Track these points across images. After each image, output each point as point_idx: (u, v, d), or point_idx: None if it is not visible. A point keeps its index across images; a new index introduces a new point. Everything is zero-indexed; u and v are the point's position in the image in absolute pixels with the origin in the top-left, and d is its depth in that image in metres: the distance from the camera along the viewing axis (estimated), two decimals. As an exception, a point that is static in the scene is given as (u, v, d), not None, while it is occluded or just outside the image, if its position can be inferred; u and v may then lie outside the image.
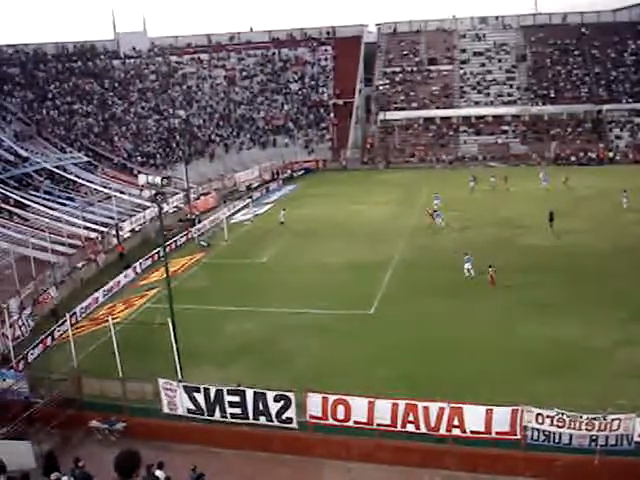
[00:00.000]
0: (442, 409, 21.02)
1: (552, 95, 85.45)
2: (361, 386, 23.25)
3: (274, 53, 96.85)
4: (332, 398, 22.20)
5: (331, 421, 22.31)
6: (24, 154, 63.10)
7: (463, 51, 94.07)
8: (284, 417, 22.81)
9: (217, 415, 23.72)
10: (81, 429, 24.67)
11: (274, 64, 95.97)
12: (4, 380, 27.89)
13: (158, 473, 16.91)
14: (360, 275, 40.05)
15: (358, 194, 64.36)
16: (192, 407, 24.04)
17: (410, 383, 25.04)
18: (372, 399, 21.72)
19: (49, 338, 33.33)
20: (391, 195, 58.06)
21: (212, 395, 23.66)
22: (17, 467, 16.00)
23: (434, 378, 25.64)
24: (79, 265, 45.30)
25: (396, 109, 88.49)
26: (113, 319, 29.95)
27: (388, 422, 21.68)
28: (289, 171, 78.77)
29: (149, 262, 45.89)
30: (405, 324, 31.88)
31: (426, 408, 21.19)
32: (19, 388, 27.42)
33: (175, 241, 50.10)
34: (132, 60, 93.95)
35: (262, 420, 23.15)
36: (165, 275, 29.66)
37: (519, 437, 20.46)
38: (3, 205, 53.61)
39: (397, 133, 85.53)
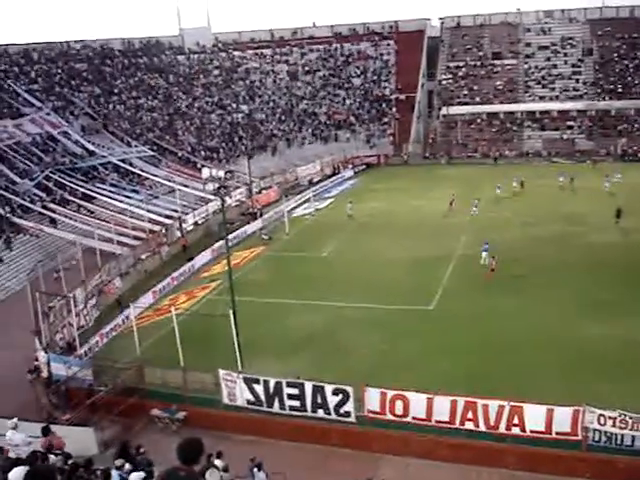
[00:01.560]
0: (502, 407, 20.79)
1: (619, 90, 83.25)
2: (420, 382, 23.14)
3: (336, 48, 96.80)
4: (391, 393, 22.16)
5: (389, 416, 22.28)
6: (91, 147, 64.52)
7: (528, 45, 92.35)
8: (342, 411, 22.87)
9: (276, 407, 23.92)
10: (143, 417, 25.17)
11: (336, 59, 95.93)
12: (69, 368, 28.62)
13: (217, 462, 17.13)
14: (421, 270, 39.84)
15: (420, 189, 63.99)
16: (251, 398, 24.29)
17: (470, 380, 24.82)
18: (431, 395, 21.61)
19: (113, 327, 34.07)
20: (453, 190, 57.46)
21: (271, 387, 23.87)
22: (80, 453, 16.40)
23: (494, 375, 25.37)
24: (143, 257, 46.17)
25: (459, 104, 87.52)
26: (176, 310, 30.43)
27: (447, 419, 21.55)
28: (350, 165, 78.68)
29: (211, 255, 46.49)
30: (465, 320, 31.60)
31: (485, 406, 20.99)
32: (83, 376, 28.12)
33: (237, 234, 50.58)
34: (196, 55, 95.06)
35: (320, 413, 23.26)
36: (227, 267, 30.05)
37: (580, 438, 20.10)
38: (70, 197, 54.98)
39: (460, 128, 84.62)
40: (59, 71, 77.90)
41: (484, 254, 38.76)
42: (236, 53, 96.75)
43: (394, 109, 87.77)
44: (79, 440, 20.36)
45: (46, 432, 16.46)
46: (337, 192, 67.79)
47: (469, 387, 22.98)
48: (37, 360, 30.30)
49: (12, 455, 13.99)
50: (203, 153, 74.12)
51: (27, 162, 57.53)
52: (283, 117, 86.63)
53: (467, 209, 51.94)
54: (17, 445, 14.71)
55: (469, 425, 21.33)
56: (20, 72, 73.51)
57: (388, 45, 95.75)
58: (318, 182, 71.63)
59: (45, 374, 29.31)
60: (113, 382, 26.39)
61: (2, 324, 35.95)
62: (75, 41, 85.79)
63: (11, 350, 32.00)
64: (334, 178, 73.89)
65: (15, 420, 16.41)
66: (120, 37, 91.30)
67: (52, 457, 13.52)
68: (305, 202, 61.84)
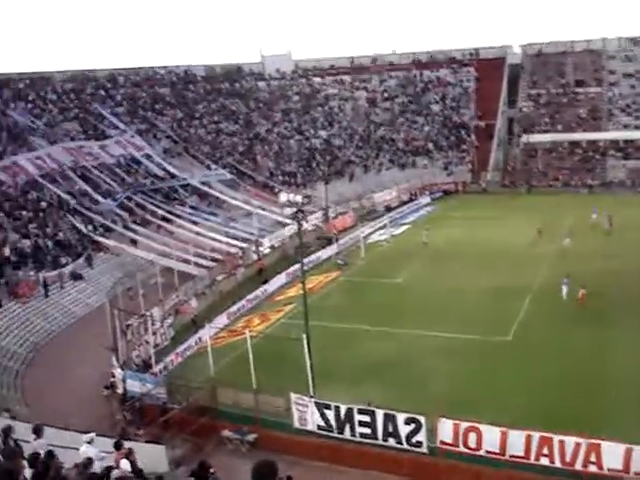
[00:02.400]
0: (579, 444, 20.07)
1: None
2: (495, 414, 22.57)
3: (416, 75, 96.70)
4: (464, 425, 21.68)
5: (462, 448, 21.77)
6: (172, 170, 65.95)
7: (612, 73, 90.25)
8: (414, 440, 22.48)
9: (347, 433, 23.70)
10: (213, 437, 25.26)
11: (415, 85, 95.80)
12: (144, 385, 29.05)
13: (287, 487, 16.98)
14: (498, 300, 39.02)
15: (498, 218, 62.91)
16: (322, 424, 24.13)
17: (546, 415, 24.08)
18: (505, 429, 21.02)
19: (188, 347, 34.47)
20: (532, 220, 56.34)
21: (343, 413, 23.68)
22: (151, 470, 16.51)
23: (572, 411, 24.56)
24: (219, 278, 46.74)
25: (540, 132, 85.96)
26: (250, 332, 30.56)
27: (521, 454, 20.91)
28: (427, 192, 78.12)
29: (286, 278, 46.68)
30: (543, 353, 30.75)
31: (562, 442, 20.32)
32: (158, 394, 28.51)
33: (312, 258, 50.65)
34: (277, 81, 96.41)
35: (391, 442, 22.92)
36: (302, 291, 30.07)
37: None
38: (151, 218, 56.19)
39: (540, 156, 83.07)
40: (144, 95, 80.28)
41: (564, 288, 37.65)
42: (316, 79, 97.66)
43: (473, 136, 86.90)
44: (150, 457, 20.54)
45: (118, 447, 16.64)
46: (413, 219, 67.34)
47: (545, 422, 22.27)
48: (113, 376, 30.90)
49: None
50: (281, 177, 74.85)
51: (110, 183, 59.18)
52: (361, 143, 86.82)
53: (550, 238, 50.73)
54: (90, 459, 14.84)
55: (544, 461, 20.65)
56: (106, 95, 75.99)
57: (468, 72, 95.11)
58: (394, 208, 71.31)
59: (120, 390, 29.85)
60: (186, 401, 26.63)
61: (81, 340, 36.91)
62: (160, 66, 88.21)
63: (88, 366, 32.75)
64: (410, 205, 73.46)
65: (92, 435, 16.62)
66: (203, 63, 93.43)
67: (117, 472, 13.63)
68: (381, 228, 61.59)
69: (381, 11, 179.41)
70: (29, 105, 66.72)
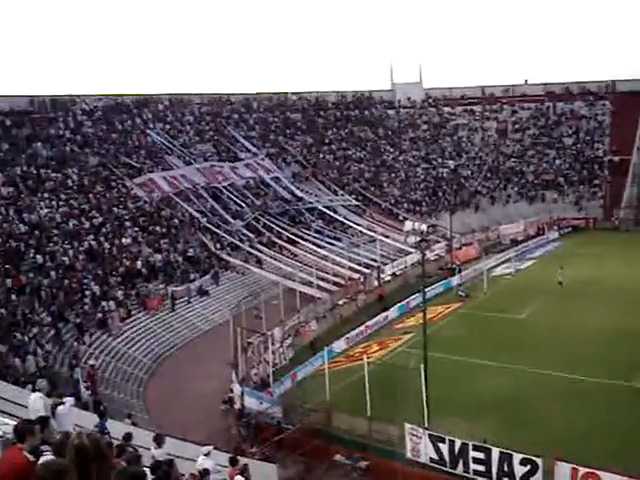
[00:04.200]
0: None
1: None
2: (616, 462, 21.58)
3: (549, 107, 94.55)
4: (583, 470, 20.88)
5: (580, 494, 20.96)
6: (299, 194, 67.28)
7: None
8: (529, 482, 21.81)
9: (459, 469, 23.29)
10: (325, 461, 25.37)
11: (548, 118, 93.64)
12: (261, 403, 29.62)
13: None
14: (629, 344, 37.00)
15: (631, 257, 60.18)
16: (435, 457, 23.83)
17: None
18: (627, 477, 20.06)
19: (306, 369, 34.88)
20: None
21: (457, 448, 23.31)
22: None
23: None
24: (340, 302, 47.13)
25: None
26: (367, 358, 30.61)
27: (643, 504, 19.93)
28: (556, 227, 75.97)
29: (406, 307, 46.50)
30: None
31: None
32: (273, 412, 28.99)
33: (434, 288, 50.22)
34: (406, 110, 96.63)
35: (506, 482, 22.33)
36: (422, 321, 29.91)
37: None
38: (276, 240, 57.45)
39: (680, 195, 79.18)
40: (275, 120, 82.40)
41: None
42: (445, 109, 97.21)
43: (606, 171, 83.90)
44: (262, 475, 20.88)
45: (234, 462, 17.06)
46: (540, 253, 65.54)
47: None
48: (232, 392, 31.71)
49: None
50: (406, 205, 74.80)
51: (240, 203, 60.99)
52: (489, 174, 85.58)
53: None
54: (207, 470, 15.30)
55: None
56: (240, 119, 78.54)
57: (604, 105, 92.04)
58: (521, 242, 69.72)
59: (238, 406, 30.58)
60: (301, 422, 26.92)
61: (202, 354, 38.07)
62: (292, 93, 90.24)
63: (208, 380, 33.74)
64: (538, 239, 71.53)
65: (210, 448, 17.12)
66: (334, 90, 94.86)
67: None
68: (506, 261, 60.31)
69: (513, 40, 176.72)
70: (167, 126, 69.86)
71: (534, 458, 21.72)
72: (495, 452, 22.48)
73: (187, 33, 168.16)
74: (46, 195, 49.42)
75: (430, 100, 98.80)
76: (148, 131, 66.05)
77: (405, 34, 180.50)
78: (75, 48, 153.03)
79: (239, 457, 18.51)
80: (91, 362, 33.60)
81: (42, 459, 6.07)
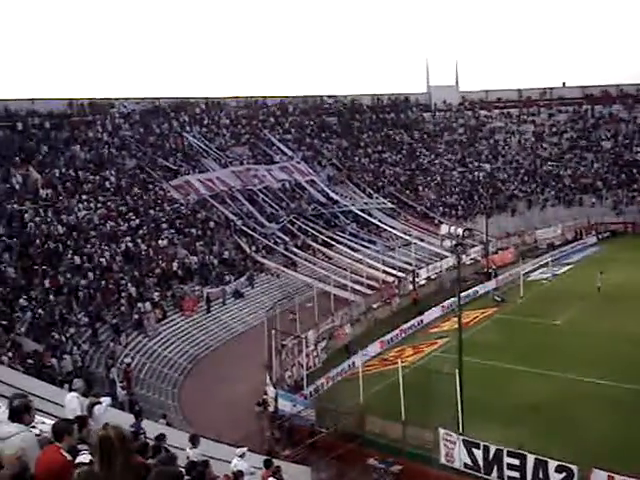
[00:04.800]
0: None
1: None
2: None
3: (587, 110, 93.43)
4: (619, 478, 20.55)
5: (616, 502, 20.66)
6: (334, 197, 67.31)
7: None
8: (564, 490, 21.54)
9: (494, 475, 23.08)
10: (358, 464, 25.31)
11: (586, 121, 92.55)
12: (295, 406, 29.67)
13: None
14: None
15: (670, 262, 59.21)
16: (469, 462, 23.65)
17: None
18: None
19: (340, 372, 34.87)
20: None
21: (491, 454, 23.11)
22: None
23: None
24: (374, 306, 47.04)
25: None
26: (402, 362, 30.50)
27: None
28: (593, 232, 74.95)
29: (441, 311, 46.25)
30: None
31: None
32: (307, 415, 29.01)
33: (469, 293, 49.88)
34: (442, 113, 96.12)
35: (541, 488, 22.07)
36: (457, 325, 29.73)
37: None
38: (311, 242, 57.54)
39: None
40: (311, 123, 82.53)
41: None
42: (482, 112, 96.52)
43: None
44: (295, 477, 20.92)
45: (268, 465, 17.10)
46: (577, 258, 64.70)
47: None
48: (266, 394, 31.81)
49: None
50: (441, 209, 74.38)
51: (275, 206, 61.22)
52: (525, 178, 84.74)
53: None
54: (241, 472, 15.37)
55: None
56: (276, 123, 78.81)
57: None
58: (558, 246, 68.94)
59: (272, 409, 30.66)
60: (334, 425, 26.90)
61: (237, 356, 38.23)
62: (328, 96, 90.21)
63: (242, 381, 33.87)
64: (575, 244, 70.63)
65: (245, 449, 17.19)
66: (370, 93, 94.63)
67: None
68: (542, 266, 59.63)
69: (551, 42, 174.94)
70: (203, 129, 70.38)
71: (570, 465, 21.44)
72: (530, 459, 22.23)
73: (223, 37, 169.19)
74: (84, 197, 50.14)
75: (466, 103, 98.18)
76: (184, 134, 66.62)
77: (441, 37, 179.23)
78: (114, 52, 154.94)
79: (273, 459, 18.56)
80: (127, 360, 33.93)
81: (79, 458, 6.15)
